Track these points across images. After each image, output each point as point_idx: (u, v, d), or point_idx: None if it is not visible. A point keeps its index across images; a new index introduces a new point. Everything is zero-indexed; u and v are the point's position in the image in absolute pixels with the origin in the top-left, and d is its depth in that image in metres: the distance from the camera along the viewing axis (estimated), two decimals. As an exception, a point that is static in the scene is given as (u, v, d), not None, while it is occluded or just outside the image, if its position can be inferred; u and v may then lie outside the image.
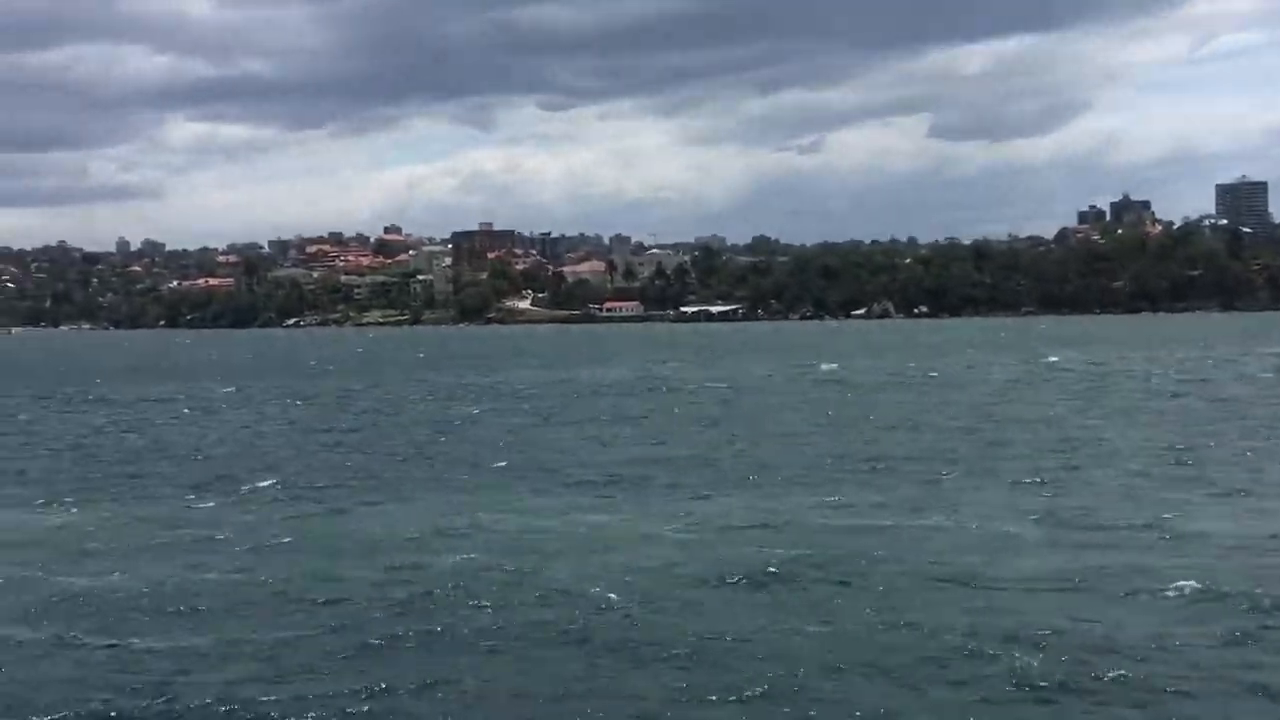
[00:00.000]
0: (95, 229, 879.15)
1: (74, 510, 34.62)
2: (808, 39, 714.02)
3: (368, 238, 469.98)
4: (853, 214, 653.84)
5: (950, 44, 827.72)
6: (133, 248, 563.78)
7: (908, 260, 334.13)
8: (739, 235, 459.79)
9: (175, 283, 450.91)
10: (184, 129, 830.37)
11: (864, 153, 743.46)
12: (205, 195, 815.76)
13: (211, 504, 34.93)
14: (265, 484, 38.45)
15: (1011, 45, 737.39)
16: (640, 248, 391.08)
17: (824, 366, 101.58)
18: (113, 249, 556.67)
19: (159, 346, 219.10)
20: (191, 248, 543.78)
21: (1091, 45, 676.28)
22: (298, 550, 27.79)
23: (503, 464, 42.74)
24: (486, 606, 22.14)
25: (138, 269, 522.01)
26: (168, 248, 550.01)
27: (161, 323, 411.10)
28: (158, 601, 23.17)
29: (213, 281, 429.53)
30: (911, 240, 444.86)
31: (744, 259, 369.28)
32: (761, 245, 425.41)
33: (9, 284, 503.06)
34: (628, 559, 25.67)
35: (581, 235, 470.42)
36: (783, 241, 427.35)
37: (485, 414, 64.80)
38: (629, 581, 23.63)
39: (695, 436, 50.86)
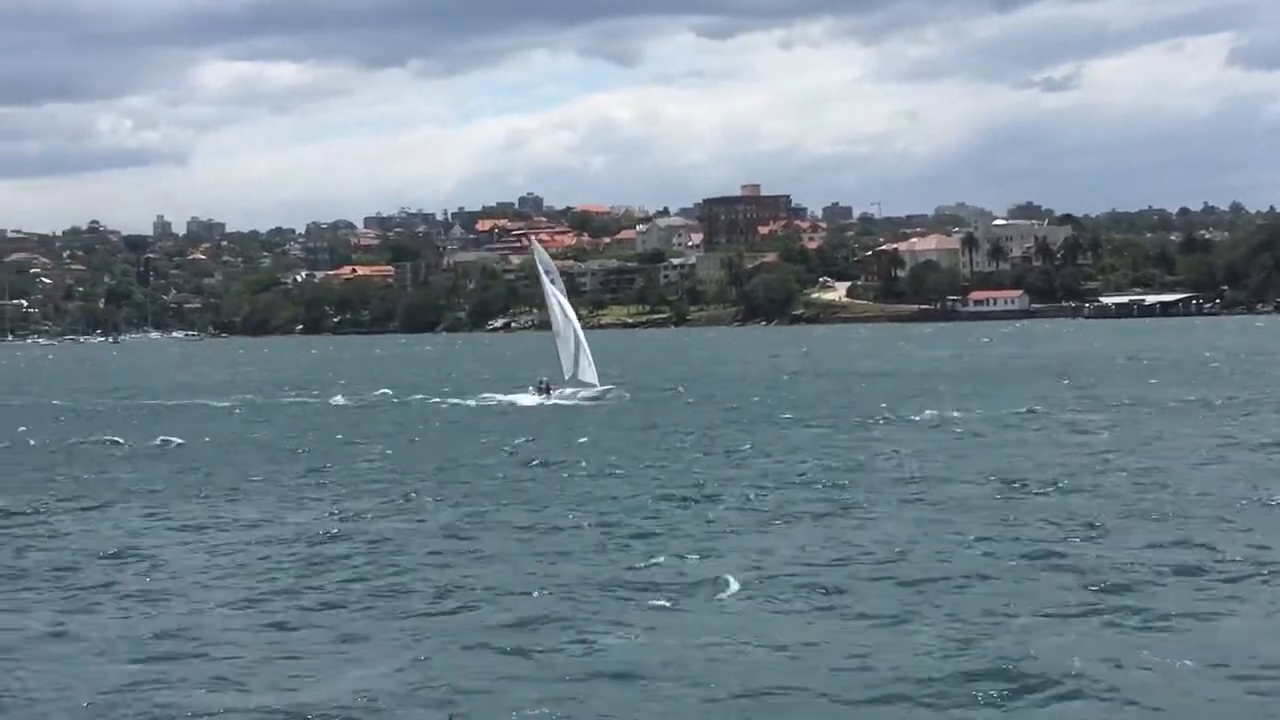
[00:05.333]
0: (106, 204, 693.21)
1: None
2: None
3: (561, 208, 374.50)
4: (1119, 174, 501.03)
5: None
6: (174, 228, 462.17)
7: None
8: (978, 202, 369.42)
9: (303, 274, 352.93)
10: (219, 71, 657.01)
11: (1138, 89, 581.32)
12: (246, 158, 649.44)
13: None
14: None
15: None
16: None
17: None
18: (148, 231, 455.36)
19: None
20: (262, 228, 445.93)
21: None
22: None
23: None
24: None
25: (200, 256, 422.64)
26: (228, 228, 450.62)
27: (299, 327, 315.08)
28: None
29: (362, 271, 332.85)
30: (1236, 208, 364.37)
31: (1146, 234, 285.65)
32: (1029, 215, 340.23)
33: (44, 279, 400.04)
34: None
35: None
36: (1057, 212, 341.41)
37: None
38: None
39: None
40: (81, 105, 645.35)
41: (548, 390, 66.70)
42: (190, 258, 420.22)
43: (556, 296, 68.48)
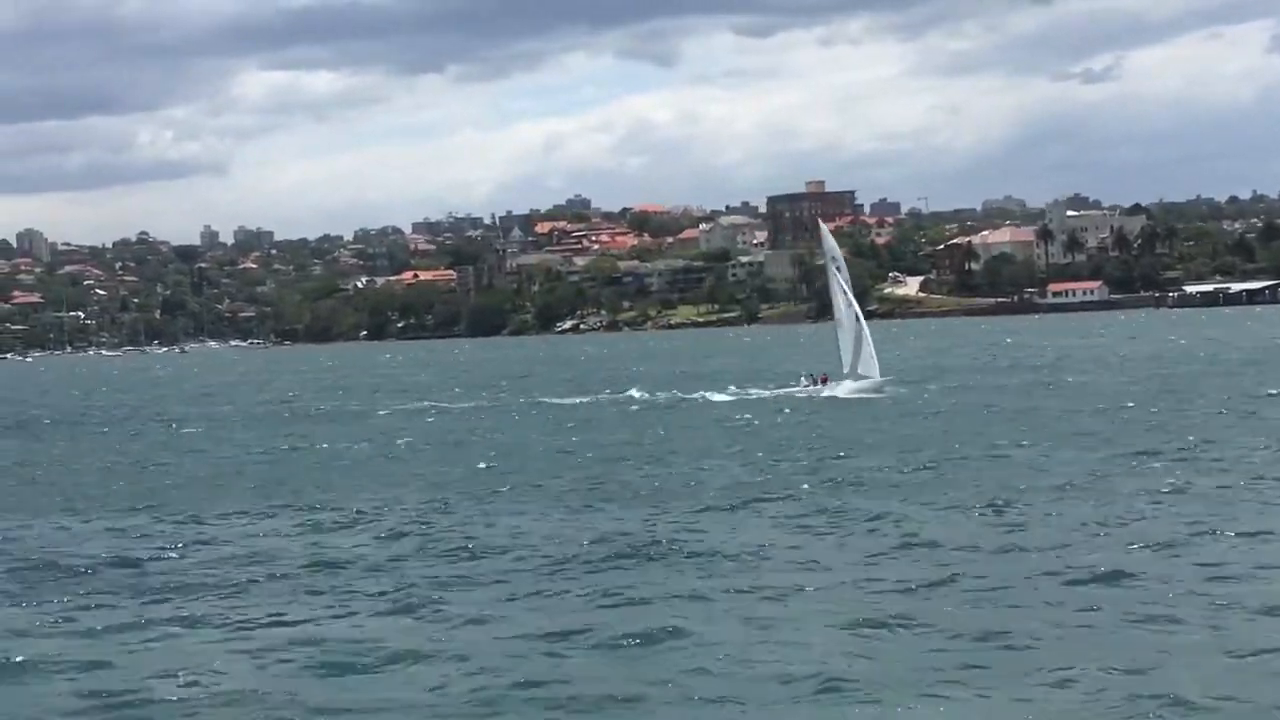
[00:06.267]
0: (150, 215, 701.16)
1: None
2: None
3: (604, 209, 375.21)
4: (1161, 164, 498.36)
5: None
6: (221, 237, 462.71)
7: None
8: (1021, 194, 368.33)
9: (363, 280, 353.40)
10: (258, 81, 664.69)
11: (1178, 78, 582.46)
12: (286, 167, 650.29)
13: None
14: None
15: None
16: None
17: None
18: (195, 240, 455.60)
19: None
20: (306, 236, 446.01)
21: None
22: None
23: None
24: None
25: (251, 265, 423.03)
26: (276, 236, 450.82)
27: (363, 334, 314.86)
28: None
29: (424, 276, 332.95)
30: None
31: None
32: (1080, 207, 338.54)
33: (98, 290, 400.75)
34: None
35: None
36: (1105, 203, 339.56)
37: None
38: None
39: None
40: (121, 118, 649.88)
41: (823, 382, 66.24)
42: (241, 267, 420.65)
43: (842, 286, 67.61)
